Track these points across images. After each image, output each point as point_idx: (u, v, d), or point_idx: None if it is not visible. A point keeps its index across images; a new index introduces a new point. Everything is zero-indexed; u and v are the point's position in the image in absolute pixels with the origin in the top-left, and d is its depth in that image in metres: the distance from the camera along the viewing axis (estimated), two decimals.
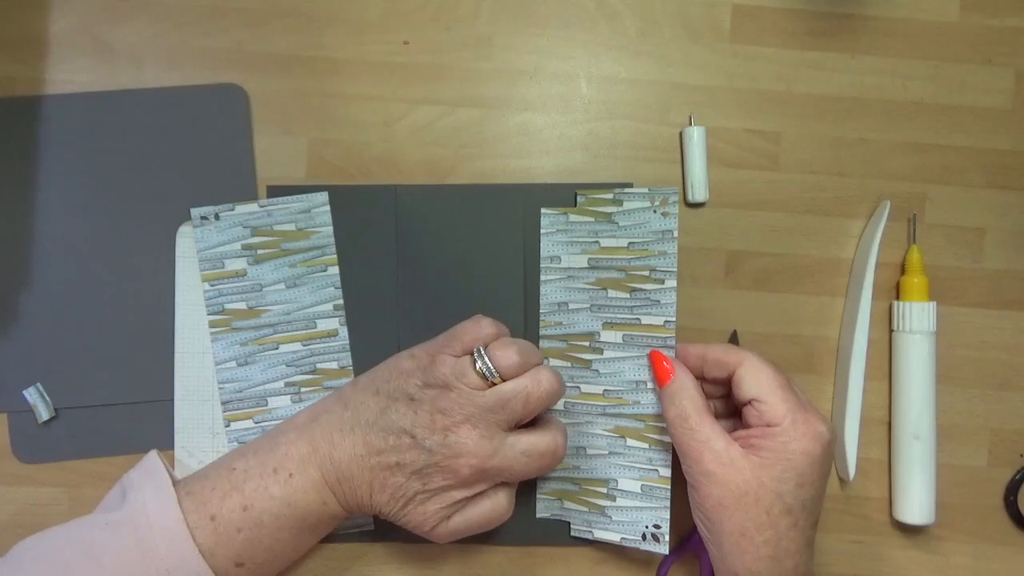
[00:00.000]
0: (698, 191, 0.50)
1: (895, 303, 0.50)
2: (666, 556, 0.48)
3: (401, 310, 0.49)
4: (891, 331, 0.50)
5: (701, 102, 0.50)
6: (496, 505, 0.44)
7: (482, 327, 0.44)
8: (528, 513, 0.50)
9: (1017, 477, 0.50)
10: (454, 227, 0.49)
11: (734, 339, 0.50)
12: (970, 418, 0.51)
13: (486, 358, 0.42)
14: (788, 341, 0.51)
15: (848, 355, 0.49)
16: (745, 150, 0.51)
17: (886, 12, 0.51)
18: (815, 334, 0.51)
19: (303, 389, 0.49)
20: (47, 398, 0.48)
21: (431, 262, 0.49)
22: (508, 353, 0.43)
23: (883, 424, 0.51)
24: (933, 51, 0.51)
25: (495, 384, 0.42)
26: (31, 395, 0.48)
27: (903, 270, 0.50)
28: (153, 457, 0.45)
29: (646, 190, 0.47)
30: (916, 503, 0.49)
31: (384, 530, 0.49)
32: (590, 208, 0.48)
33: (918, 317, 0.49)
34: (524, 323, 0.49)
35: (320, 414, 0.44)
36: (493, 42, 0.50)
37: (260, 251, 0.49)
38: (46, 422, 0.48)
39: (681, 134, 0.50)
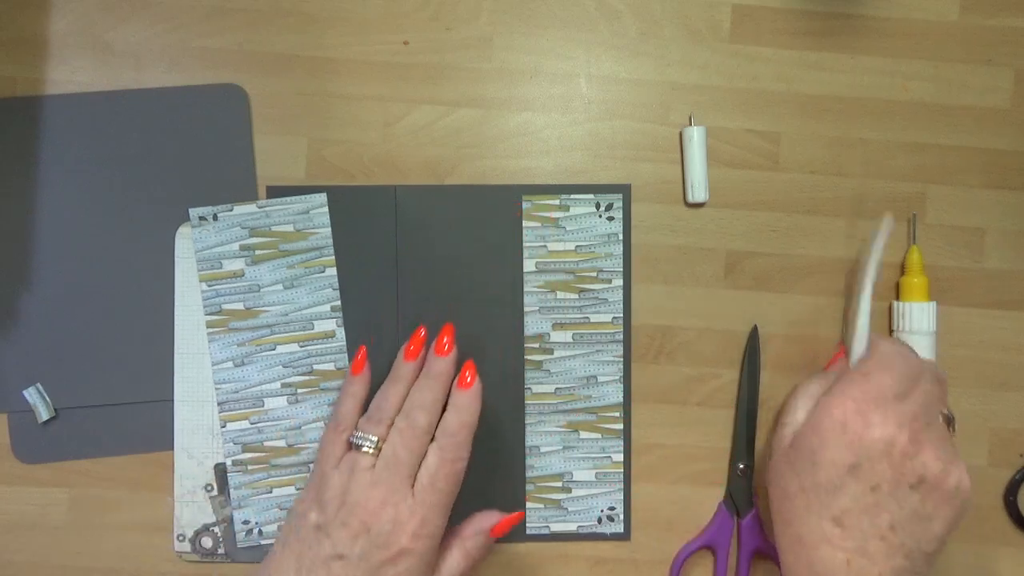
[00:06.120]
0: (698, 191, 0.50)
1: (895, 303, 0.50)
2: (681, 548, 0.49)
3: (400, 311, 0.49)
4: (891, 331, 0.50)
5: (701, 102, 0.50)
6: (459, 557, 0.44)
7: (340, 414, 0.44)
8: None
9: (1017, 477, 0.50)
10: (454, 227, 0.49)
11: (755, 334, 0.50)
12: (970, 418, 0.51)
13: (360, 434, 0.43)
14: (788, 341, 0.51)
15: (848, 355, 0.49)
16: (745, 150, 0.50)
17: (886, 12, 0.51)
18: (815, 334, 0.51)
19: (300, 390, 0.49)
20: (47, 398, 0.48)
21: (430, 262, 0.49)
22: (372, 421, 0.43)
23: None
24: (933, 51, 0.51)
25: (380, 451, 0.42)
26: (31, 395, 0.48)
27: (903, 270, 0.50)
28: None
29: (592, 196, 0.49)
30: None
31: None
32: (536, 214, 0.49)
33: (918, 317, 0.49)
34: (523, 324, 0.49)
35: None
36: (493, 42, 0.50)
37: (258, 252, 0.49)
38: (46, 422, 0.48)
39: (681, 134, 0.50)
